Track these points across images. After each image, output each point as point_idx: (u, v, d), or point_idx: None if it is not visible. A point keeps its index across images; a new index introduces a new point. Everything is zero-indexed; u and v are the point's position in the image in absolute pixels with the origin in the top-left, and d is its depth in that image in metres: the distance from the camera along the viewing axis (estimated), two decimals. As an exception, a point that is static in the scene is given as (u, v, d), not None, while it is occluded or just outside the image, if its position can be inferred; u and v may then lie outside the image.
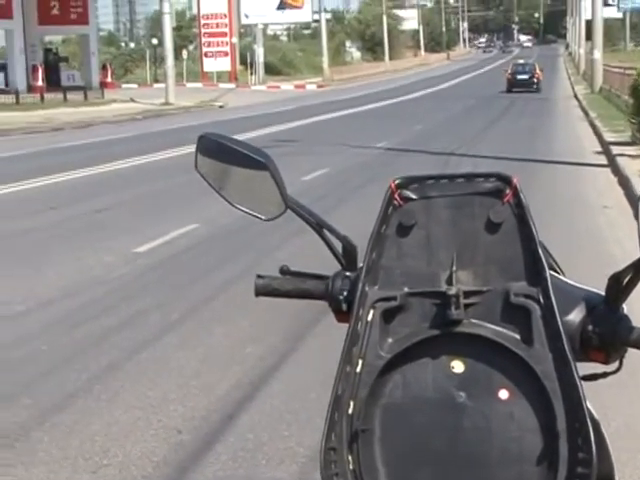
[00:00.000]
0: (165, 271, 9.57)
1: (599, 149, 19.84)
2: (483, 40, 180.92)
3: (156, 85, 57.60)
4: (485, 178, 1.65)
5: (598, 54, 42.80)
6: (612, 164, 16.72)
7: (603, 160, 17.83)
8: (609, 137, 20.59)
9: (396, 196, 1.67)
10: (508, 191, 1.63)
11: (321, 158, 19.67)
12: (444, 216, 1.66)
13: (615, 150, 17.78)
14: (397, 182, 1.68)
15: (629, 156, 16.81)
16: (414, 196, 1.67)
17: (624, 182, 14.27)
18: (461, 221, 1.65)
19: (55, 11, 53.44)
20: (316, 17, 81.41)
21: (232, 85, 63.12)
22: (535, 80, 49.86)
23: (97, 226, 12.31)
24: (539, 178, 15.41)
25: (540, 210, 10.05)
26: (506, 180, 1.63)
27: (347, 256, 1.78)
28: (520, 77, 50.38)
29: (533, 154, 18.80)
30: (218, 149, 1.80)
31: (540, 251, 1.62)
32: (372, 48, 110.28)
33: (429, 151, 20.20)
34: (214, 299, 8.29)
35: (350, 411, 1.63)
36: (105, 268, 9.64)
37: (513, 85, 49.84)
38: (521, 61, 57.37)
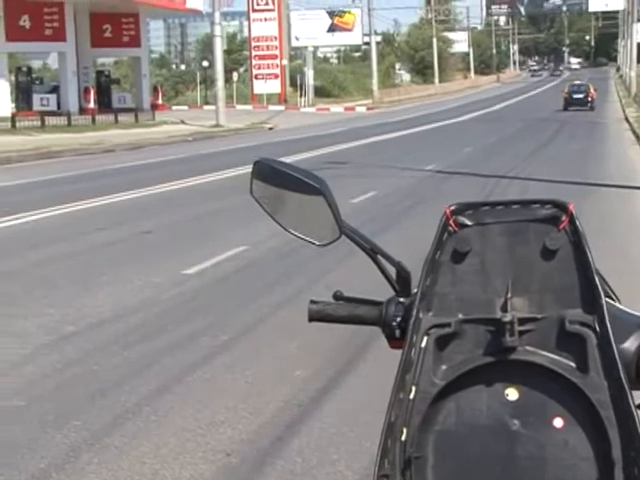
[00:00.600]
0: (214, 293, 9.60)
1: (651, 173, 19.69)
2: (534, 63, 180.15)
3: (206, 107, 57.97)
4: (541, 205, 1.64)
5: (649, 76, 42.51)
6: (664, 188, 16.59)
7: (656, 183, 17.69)
8: (661, 160, 20.43)
9: (451, 222, 1.67)
10: (564, 218, 1.62)
11: (370, 180, 19.67)
12: (499, 243, 1.65)
13: (667, 173, 17.64)
14: (452, 208, 1.68)
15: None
16: (469, 222, 1.66)
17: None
18: (516, 248, 1.64)
19: (108, 34, 54.03)
20: (366, 39, 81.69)
21: (282, 107, 63.38)
22: (589, 99, 53.19)
23: (146, 247, 12.39)
24: (592, 201, 15.30)
25: (593, 234, 10.00)
26: (562, 207, 1.62)
27: (401, 282, 1.78)
28: (576, 96, 53.86)
29: (585, 177, 18.69)
30: (273, 174, 1.81)
31: (596, 278, 1.60)
32: (422, 71, 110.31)
33: (479, 174, 20.14)
34: (263, 322, 8.30)
35: (403, 438, 1.62)
36: (155, 289, 9.69)
37: (570, 104, 52.90)
38: (577, 82, 61.02)
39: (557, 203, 1.63)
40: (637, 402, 1.57)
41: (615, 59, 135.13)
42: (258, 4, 70.03)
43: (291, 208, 1.82)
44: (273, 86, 69.07)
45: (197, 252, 11.68)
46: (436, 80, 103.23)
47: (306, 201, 1.77)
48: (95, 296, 9.43)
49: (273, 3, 69.75)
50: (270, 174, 1.82)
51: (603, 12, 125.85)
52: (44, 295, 9.52)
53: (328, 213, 1.75)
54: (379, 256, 1.77)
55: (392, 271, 1.78)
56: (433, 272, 1.66)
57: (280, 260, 11.00)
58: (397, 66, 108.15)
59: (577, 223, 1.61)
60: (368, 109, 65.50)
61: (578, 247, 1.61)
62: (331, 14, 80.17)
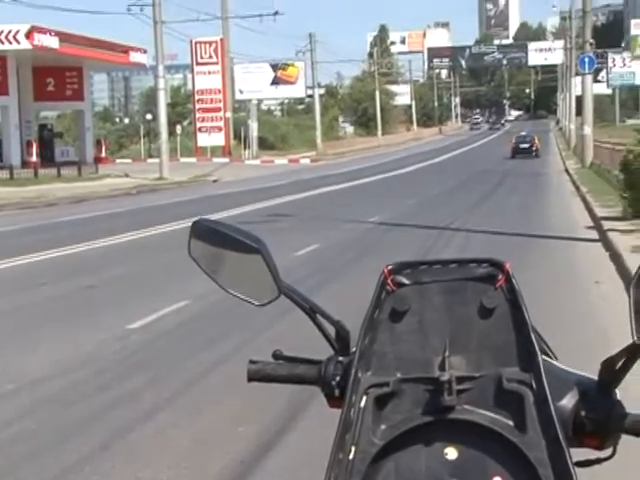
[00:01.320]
0: (158, 348, 9.53)
1: (591, 224, 19.91)
2: (477, 114, 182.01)
3: (150, 160, 57.90)
4: (478, 264, 1.65)
5: (588, 129, 43.16)
6: (604, 239, 16.77)
7: (595, 235, 17.88)
8: (600, 212, 20.67)
9: (389, 281, 1.67)
10: (501, 277, 1.63)
11: (314, 233, 19.70)
12: (437, 301, 1.66)
13: (606, 225, 17.84)
14: (390, 267, 1.68)
15: (620, 231, 16.85)
16: (407, 281, 1.67)
17: (616, 257, 14.30)
18: (454, 306, 1.65)
19: (51, 87, 53.89)
20: (310, 92, 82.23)
21: (226, 159, 63.48)
22: (534, 149, 60.52)
23: (89, 302, 12.28)
24: (531, 252, 15.44)
25: (531, 285, 10.07)
26: (499, 266, 1.64)
27: (340, 341, 1.78)
28: (522, 146, 61.04)
29: (525, 229, 18.85)
30: (211, 234, 1.81)
31: (533, 336, 1.61)
32: (365, 123, 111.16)
33: (422, 225, 20.26)
34: (206, 377, 8.23)
35: None
36: (98, 345, 9.60)
37: (517, 152, 59.77)
38: (523, 133, 68.72)
39: (494, 262, 1.64)
40: (575, 460, 1.58)
41: (555, 112, 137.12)
42: (202, 57, 70.32)
43: (230, 268, 1.82)
44: (217, 139, 69.21)
45: (140, 306, 11.61)
46: (379, 132, 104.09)
47: (244, 260, 1.78)
48: (36, 352, 9.32)
49: (217, 56, 70.07)
50: (208, 234, 1.82)
51: (542, 66, 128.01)
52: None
53: (266, 272, 1.75)
54: (318, 315, 1.77)
55: (332, 330, 1.78)
56: (372, 331, 1.67)
57: (222, 314, 10.94)
58: (340, 118, 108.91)
59: (513, 281, 1.62)
60: (312, 161, 65.83)
61: (515, 305, 1.62)
62: (274, 67, 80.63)
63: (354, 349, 1.70)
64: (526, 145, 60.96)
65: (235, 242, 1.77)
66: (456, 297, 1.65)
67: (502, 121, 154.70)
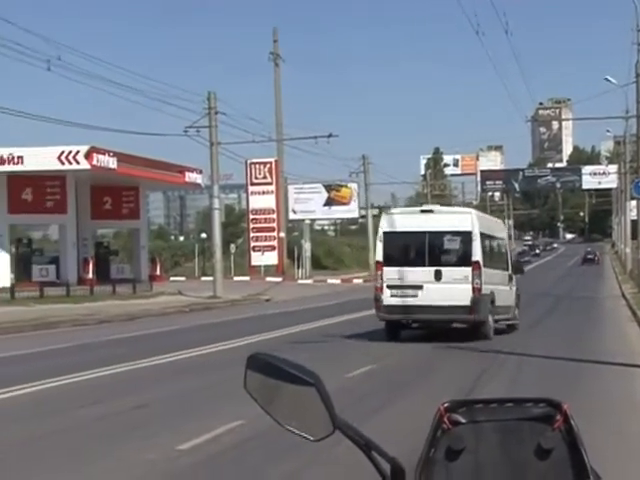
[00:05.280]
0: (209, 471, 9.43)
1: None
2: (529, 236, 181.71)
3: (204, 278, 58.28)
4: (534, 403, 1.64)
5: (644, 254, 42.96)
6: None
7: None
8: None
9: (445, 419, 1.66)
10: (558, 417, 1.61)
11: (368, 354, 19.58)
12: (493, 441, 1.64)
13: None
14: (446, 405, 1.68)
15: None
16: (463, 420, 1.66)
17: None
18: (511, 447, 1.63)
19: (108, 206, 54.77)
20: (363, 212, 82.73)
21: (279, 279, 63.73)
22: (597, 259, 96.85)
23: (140, 422, 12.23)
24: (587, 377, 15.22)
25: (589, 413, 9.90)
26: (556, 406, 1.62)
27: (395, 478, 1.76)
28: (589, 257, 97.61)
29: (581, 353, 18.65)
30: (267, 367, 1.82)
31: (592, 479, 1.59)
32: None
33: (475, 349, 20.10)
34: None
35: None
36: (147, 466, 9.53)
37: (585, 261, 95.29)
38: (589, 249, 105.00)
39: (551, 402, 1.63)
40: None
41: (609, 235, 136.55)
42: (256, 177, 71.22)
43: (285, 401, 1.82)
44: (270, 258, 69.62)
45: (192, 426, 11.53)
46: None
47: (299, 394, 1.78)
48: (84, 474, 9.27)
49: (271, 176, 70.93)
50: (264, 367, 1.83)
51: (596, 189, 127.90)
52: (30, 475, 9.34)
53: (321, 407, 1.75)
54: (373, 451, 1.76)
55: (386, 465, 1.77)
56: (427, 470, 1.65)
57: (276, 436, 10.82)
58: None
59: (572, 422, 1.61)
60: (365, 281, 65.82)
61: (573, 447, 1.60)
62: (328, 188, 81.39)
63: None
64: (591, 256, 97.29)
65: (290, 376, 1.78)
66: (512, 437, 1.64)
67: (554, 245, 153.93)
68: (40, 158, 45.74)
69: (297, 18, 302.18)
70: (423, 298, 21.86)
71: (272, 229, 70.42)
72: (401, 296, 22.26)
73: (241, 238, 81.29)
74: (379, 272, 22.76)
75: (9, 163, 45.89)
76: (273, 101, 73.51)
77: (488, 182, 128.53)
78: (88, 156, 45.52)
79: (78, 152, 45.53)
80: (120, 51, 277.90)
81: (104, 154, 46.60)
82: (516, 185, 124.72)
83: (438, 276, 21.90)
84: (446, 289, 21.66)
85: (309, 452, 9.73)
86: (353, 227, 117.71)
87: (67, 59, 46.68)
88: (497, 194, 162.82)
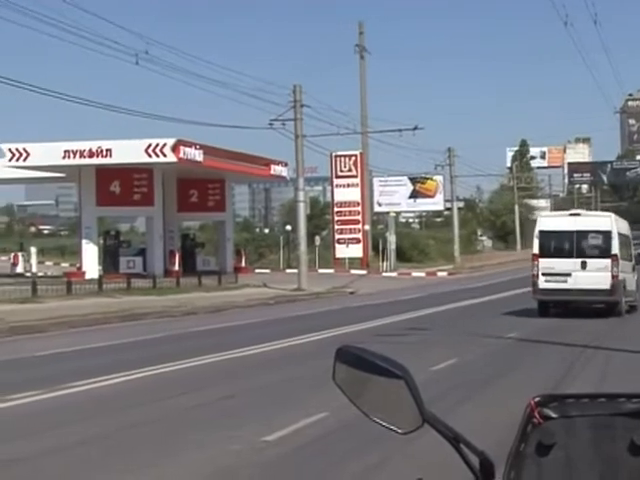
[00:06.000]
0: (294, 462, 9.47)
1: None
2: None
3: (288, 270, 58.48)
4: (627, 398, 1.62)
5: None
6: None
7: None
8: None
9: (536, 414, 1.65)
10: (653, 413, 1.59)
11: (451, 347, 19.50)
12: (585, 436, 1.62)
13: None
14: (536, 400, 1.66)
15: None
16: (554, 415, 1.64)
17: None
18: (603, 442, 1.61)
19: (194, 198, 55.30)
20: (448, 205, 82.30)
21: (363, 271, 63.70)
22: None
23: (227, 412, 12.33)
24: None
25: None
26: (651, 408, 1.59)
27: (484, 472, 1.75)
28: None
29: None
30: (356, 360, 1.82)
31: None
32: (503, 237, 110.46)
33: (561, 342, 19.89)
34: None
35: None
36: (233, 457, 9.60)
37: None
38: None
39: (645, 401, 1.60)
40: None
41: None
42: (341, 170, 71.20)
43: (373, 394, 1.82)
44: (355, 250, 69.58)
45: (278, 418, 11.59)
46: (518, 246, 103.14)
47: (388, 387, 1.78)
48: (172, 463, 9.37)
49: (356, 169, 70.86)
50: (353, 360, 1.83)
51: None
52: (120, 461, 9.49)
53: (410, 400, 1.75)
54: (462, 445, 1.75)
55: (475, 459, 1.76)
56: (517, 465, 1.64)
57: (362, 427, 10.83)
58: (479, 232, 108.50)
59: (667, 418, 1.58)
60: (449, 274, 65.53)
61: (668, 443, 1.58)
62: (413, 180, 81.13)
63: (498, 480, 1.67)
64: None
65: (379, 369, 1.78)
66: (605, 433, 1.61)
67: None
68: (128, 151, 46.38)
69: (383, 9, 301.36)
70: (572, 283, 27.14)
71: (357, 222, 70.35)
72: (554, 282, 27.43)
73: (325, 230, 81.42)
74: (535, 262, 28.15)
75: (98, 156, 46.60)
76: (358, 93, 73.45)
77: (575, 174, 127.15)
78: (175, 149, 46.00)
79: (165, 145, 46.04)
80: (206, 45, 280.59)
81: (190, 147, 47.05)
82: (604, 177, 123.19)
83: (584, 266, 27.16)
84: (590, 276, 26.84)
85: (393, 443, 9.73)
86: (438, 219, 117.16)
87: (154, 53, 47.25)
88: (585, 186, 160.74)
